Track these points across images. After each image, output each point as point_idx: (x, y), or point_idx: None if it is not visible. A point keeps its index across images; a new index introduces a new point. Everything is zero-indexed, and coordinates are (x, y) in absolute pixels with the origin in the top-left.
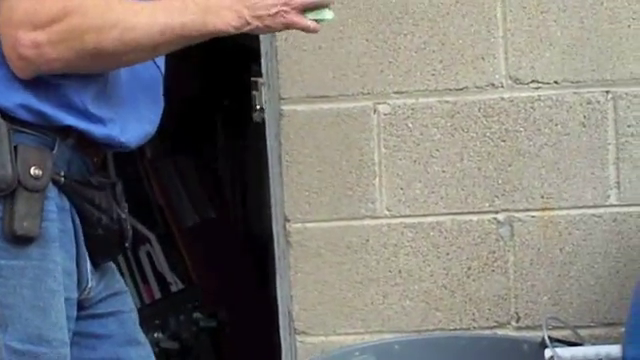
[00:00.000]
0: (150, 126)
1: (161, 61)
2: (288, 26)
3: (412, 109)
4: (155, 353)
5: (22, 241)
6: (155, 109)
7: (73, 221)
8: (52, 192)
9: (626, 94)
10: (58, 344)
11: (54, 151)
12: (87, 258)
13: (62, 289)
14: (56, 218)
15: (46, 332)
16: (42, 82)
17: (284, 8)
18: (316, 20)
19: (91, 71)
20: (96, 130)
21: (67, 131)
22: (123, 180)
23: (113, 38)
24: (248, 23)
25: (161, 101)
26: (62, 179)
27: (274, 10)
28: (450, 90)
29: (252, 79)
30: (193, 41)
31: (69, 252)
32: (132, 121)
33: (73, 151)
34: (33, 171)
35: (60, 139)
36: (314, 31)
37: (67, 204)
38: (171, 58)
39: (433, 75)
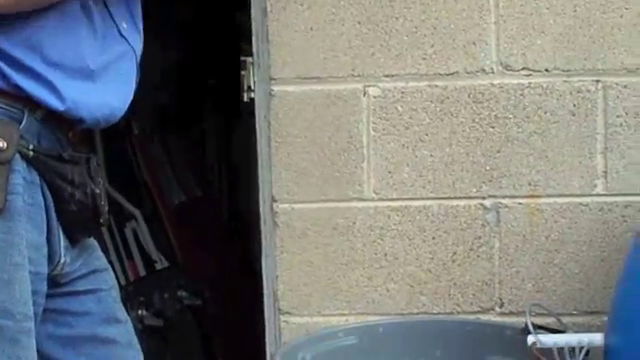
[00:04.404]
0: (118, 104)
1: (135, 40)
2: None
3: (402, 93)
4: (139, 330)
5: None
6: (124, 89)
7: (44, 195)
8: (19, 165)
9: (616, 84)
10: (22, 317)
11: (22, 124)
12: (60, 233)
13: (27, 263)
14: (22, 191)
15: (10, 305)
16: None
17: None
18: None
19: None
20: (53, 101)
21: (35, 103)
22: (110, 156)
23: None
24: None
25: (132, 81)
26: (31, 152)
27: None
28: (440, 75)
29: (241, 58)
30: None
31: (38, 226)
32: (95, 97)
33: (42, 124)
34: None
35: (28, 112)
36: None
37: (37, 178)
38: (159, 35)
39: (424, 59)
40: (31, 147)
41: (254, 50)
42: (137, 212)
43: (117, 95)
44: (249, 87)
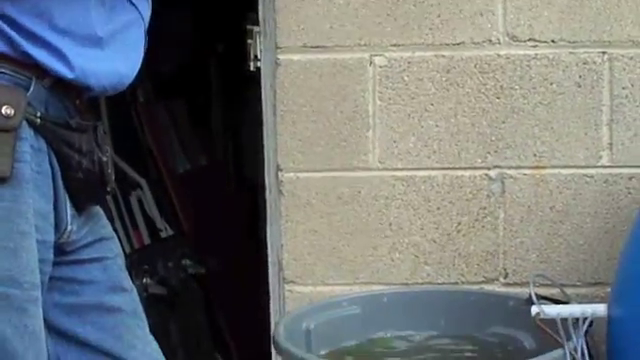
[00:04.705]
0: (126, 71)
1: (144, 7)
2: None
3: (408, 62)
4: (143, 298)
5: None
6: (132, 56)
7: (50, 163)
8: (26, 133)
9: (622, 56)
10: (29, 286)
11: (30, 91)
12: (67, 201)
13: (34, 231)
14: (30, 159)
15: (17, 274)
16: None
17: None
18: None
19: None
20: (61, 69)
21: (43, 71)
22: (116, 125)
23: None
24: None
25: (140, 49)
26: (38, 120)
27: None
28: (447, 45)
29: (248, 27)
30: None
31: (45, 194)
32: (104, 65)
33: (50, 92)
34: (5, 110)
35: (36, 79)
36: None
37: (44, 146)
38: (166, 3)
39: (430, 29)
40: (38, 114)
41: (260, 18)
42: (142, 181)
43: (125, 63)
44: (255, 56)
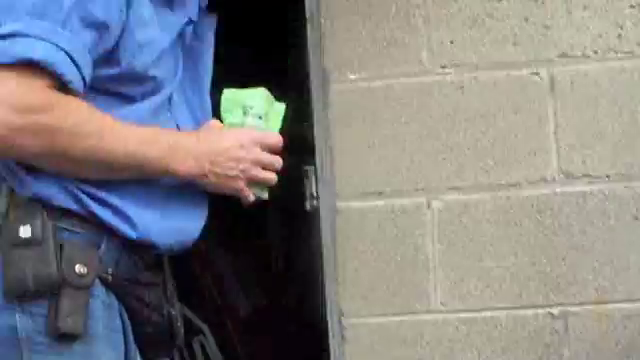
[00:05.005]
0: (189, 228)
1: None
2: (235, 192)
3: (465, 205)
4: None
5: (66, 338)
6: (196, 213)
7: (121, 318)
8: (98, 290)
9: None
10: None
11: (101, 249)
12: (137, 355)
13: None
14: (102, 315)
15: None
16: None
17: (241, 175)
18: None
19: (51, 170)
20: (126, 230)
21: (111, 229)
22: (177, 272)
23: (83, 148)
24: (205, 176)
25: (204, 202)
26: (110, 277)
27: (233, 173)
28: (503, 185)
29: (304, 168)
30: (149, 175)
31: (117, 349)
32: (167, 223)
33: (121, 249)
34: (78, 269)
35: (107, 237)
36: (248, 204)
37: (115, 302)
38: None
39: (486, 171)
40: (110, 271)
41: (318, 165)
42: (204, 326)
43: (189, 220)
44: (311, 194)
